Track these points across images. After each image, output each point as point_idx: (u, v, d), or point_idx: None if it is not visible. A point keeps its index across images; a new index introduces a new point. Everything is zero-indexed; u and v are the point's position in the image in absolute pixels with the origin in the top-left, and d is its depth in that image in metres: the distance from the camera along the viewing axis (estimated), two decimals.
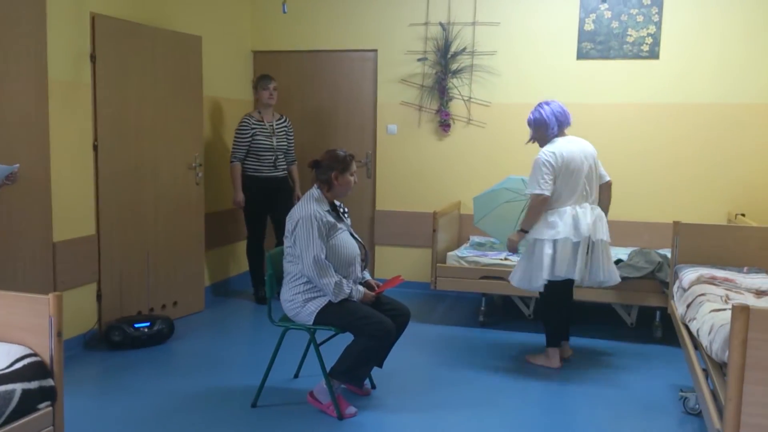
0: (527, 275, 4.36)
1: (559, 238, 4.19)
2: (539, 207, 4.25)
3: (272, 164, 5.85)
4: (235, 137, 5.79)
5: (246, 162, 5.81)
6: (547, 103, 4.40)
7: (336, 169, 3.76)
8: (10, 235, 4.02)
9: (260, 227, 5.97)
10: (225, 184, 6.27)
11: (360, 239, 3.93)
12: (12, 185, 3.49)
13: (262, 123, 5.80)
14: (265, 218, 5.98)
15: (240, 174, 5.79)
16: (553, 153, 4.23)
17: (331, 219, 3.71)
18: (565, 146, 4.27)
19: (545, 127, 4.37)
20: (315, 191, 3.78)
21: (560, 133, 4.36)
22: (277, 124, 5.90)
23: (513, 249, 4.44)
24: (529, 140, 4.52)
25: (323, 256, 3.62)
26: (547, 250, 4.22)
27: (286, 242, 3.75)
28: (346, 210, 4.02)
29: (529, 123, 4.46)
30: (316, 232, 3.61)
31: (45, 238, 4.28)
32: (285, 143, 5.93)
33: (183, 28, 5.43)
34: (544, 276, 4.23)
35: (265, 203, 5.87)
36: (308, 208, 3.66)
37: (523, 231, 4.33)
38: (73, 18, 4.47)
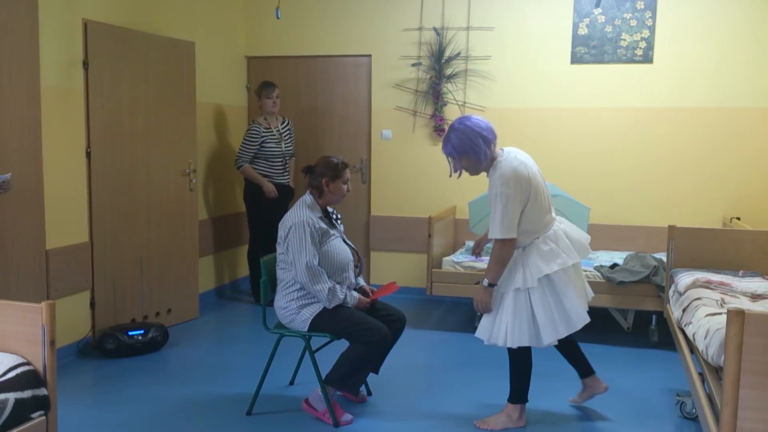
0: (554, 323, 3.43)
1: (570, 263, 3.44)
2: (510, 254, 3.41)
3: (282, 169, 5.92)
4: (244, 142, 5.83)
5: (258, 166, 5.86)
6: (460, 122, 3.44)
7: (327, 175, 3.74)
8: (2, 242, 3.99)
9: (263, 231, 5.96)
10: (221, 190, 6.27)
11: (353, 245, 3.92)
12: (4, 193, 3.48)
13: (270, 130, 5.87)
14: (268, 222, 5.97)
15: (253, 170, 5.84)
16: (514, 170, 3.34)
17: (323, 225, 3.69)
18: (514, 160, 3.40)
19: (474, 151, 3.38)
20: (308, 197, 3.77)
21: (492, 151, 3.43)
22: (283, 129, 5.98)
23: (487, 309, 3.48)
24: (454, 173, 3.53)
25: (316, 263, 3.60)
26: (570, 282, 3.47)
27: (279, 249, 3.73)
28: (339, 216, 4.01)
29: (451, 153, 3.44)
30: (309, 239, 3.59)
31: (38, 245, 4.25)
32: (291, 146, 6.03)
33: (176, 34, 5.42)
34: (583, 315, 3.47)
35: (270, 208, 5.87)
36: (300, 215, 3.65)
37: (492, 285, 3.43)
38: (66, 24, 4.46)
